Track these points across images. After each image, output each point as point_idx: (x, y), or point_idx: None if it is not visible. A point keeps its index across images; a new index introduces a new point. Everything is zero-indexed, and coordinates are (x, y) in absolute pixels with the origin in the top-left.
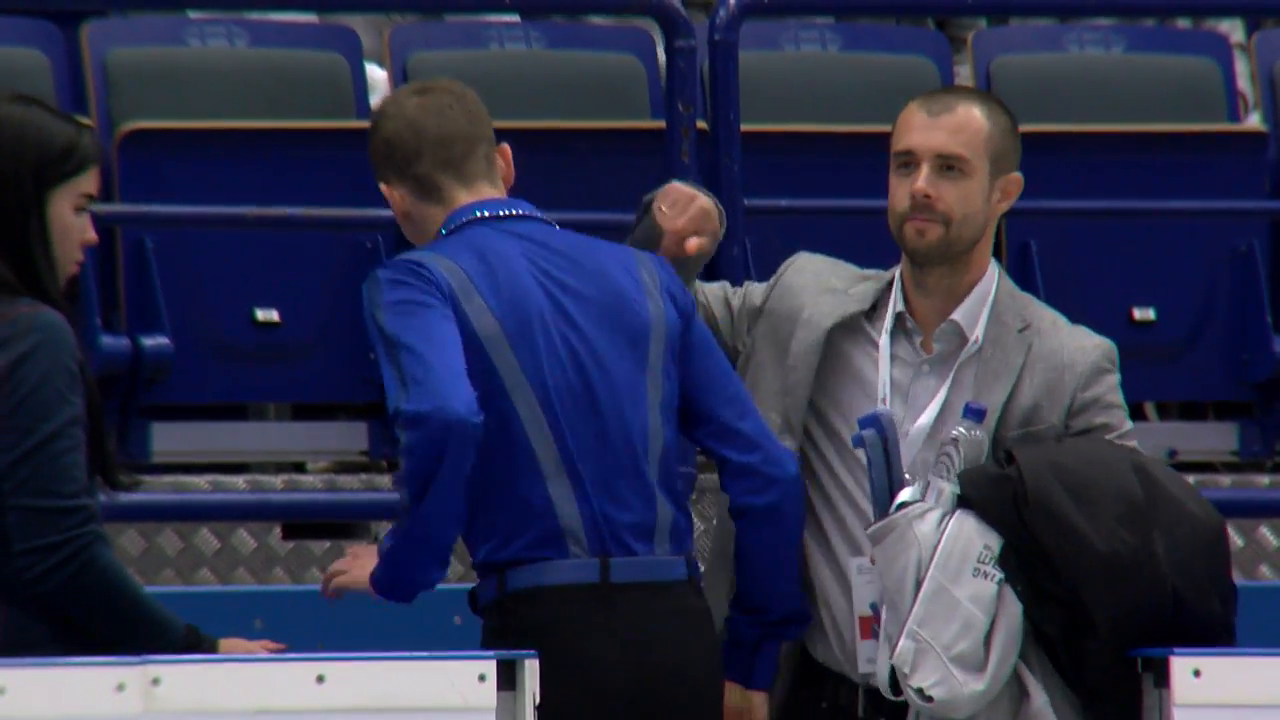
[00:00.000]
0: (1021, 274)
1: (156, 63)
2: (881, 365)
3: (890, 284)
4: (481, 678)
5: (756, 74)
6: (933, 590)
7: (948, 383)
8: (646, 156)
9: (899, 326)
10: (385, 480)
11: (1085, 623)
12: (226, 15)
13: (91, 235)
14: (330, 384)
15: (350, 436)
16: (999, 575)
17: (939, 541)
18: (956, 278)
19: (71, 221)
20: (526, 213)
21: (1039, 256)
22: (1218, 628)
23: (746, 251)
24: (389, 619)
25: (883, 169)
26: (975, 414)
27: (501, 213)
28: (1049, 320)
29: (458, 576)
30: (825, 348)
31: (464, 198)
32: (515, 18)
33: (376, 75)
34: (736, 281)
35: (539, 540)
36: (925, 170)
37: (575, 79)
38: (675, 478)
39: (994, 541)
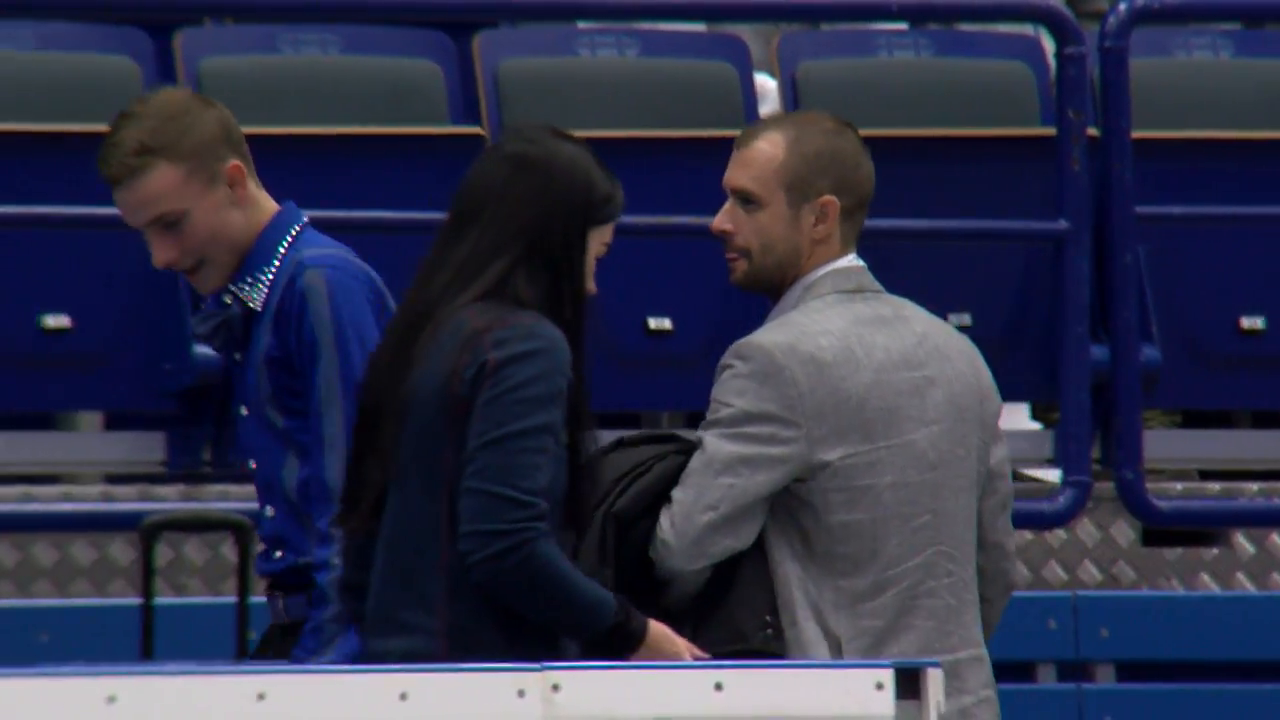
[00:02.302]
0: None
1: (547, 73)
2: None
3: None
4: (879, 686)
5: (1147, 80)
6: None
7: None
8: (1037, 163)
9: None
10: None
11: None
12: (617, 25)
13: (592, 285)
14: None
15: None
16: None
17: None
18: (779, 294)
19: (592, 264)
20: None
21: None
22: None
23: (1139, 259)
24: None
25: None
26: None
27: None
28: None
29: None
30: None
31: None
32: (902, 25)
33: (766, 84)
34: (1128, 290)
35: None
36: (726, 206)
37: (965, 86)
38: None
39: None
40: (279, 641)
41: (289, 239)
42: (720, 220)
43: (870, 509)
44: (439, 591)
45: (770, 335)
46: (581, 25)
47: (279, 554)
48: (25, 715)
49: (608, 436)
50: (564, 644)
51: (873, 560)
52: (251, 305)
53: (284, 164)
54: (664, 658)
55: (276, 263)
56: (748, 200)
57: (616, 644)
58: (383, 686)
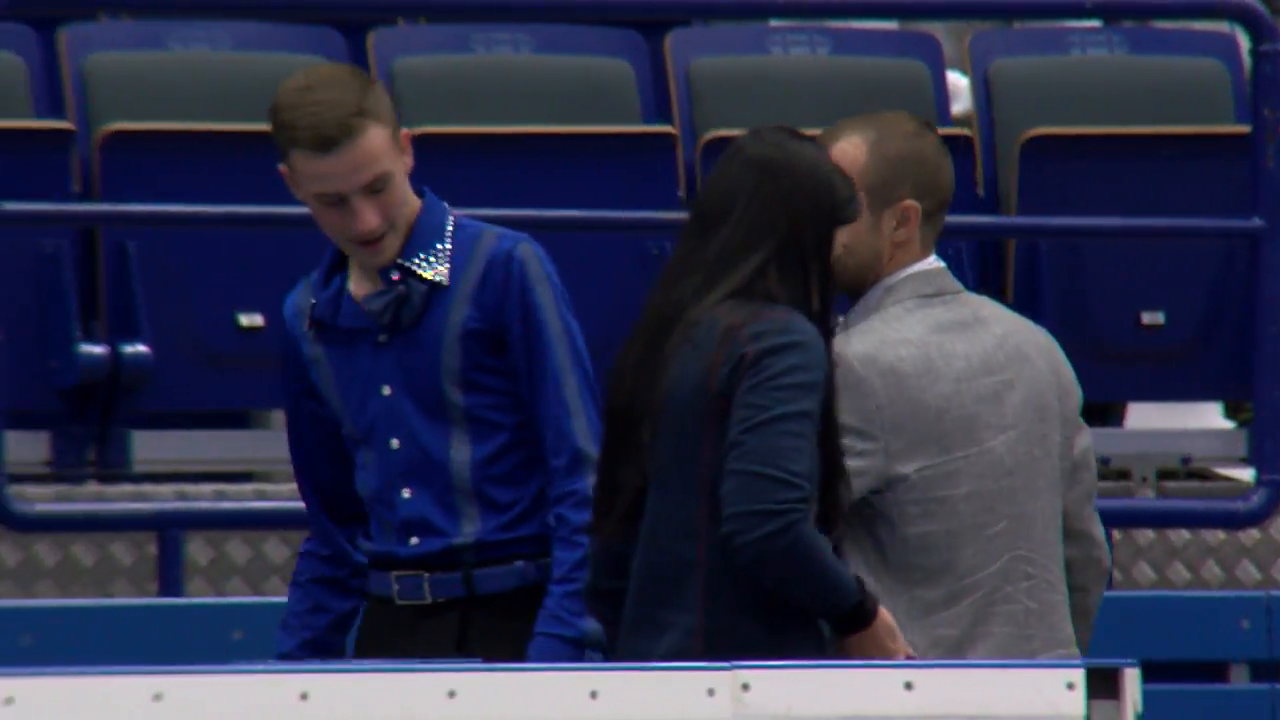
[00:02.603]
0: None
1: (738, 71)
2: None
3: None
4: (1069, 685)
5: None
6: None
7: None
8: (1231, 161)
9: None
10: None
11: None
12: (809, 24)
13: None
14: None
15: None
16: None
17: None
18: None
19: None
20: None
21: None
22: None
23: None
24: None
25: None
26: None
27: None
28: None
29: None
30: None
31: None
32: (1096, 23)
33: (958, 83)
34: None
35: None
36: None
37: (1159, 84)
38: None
39: None
40: (425, 621)
41: (451, 216)
42: None
43: (946, 520)
44: (697, 590)
45: (851, 345)
46: (774, 24)
47: (414, 539)
48: (220, 712)
49: None
50: (821, 643)
51: (948, 570)
52: (436, 279)
53: (475, 163)
54: (883, 644)
55: (448, 239)
56: None
57: (851, 622)
58: (572, 685)
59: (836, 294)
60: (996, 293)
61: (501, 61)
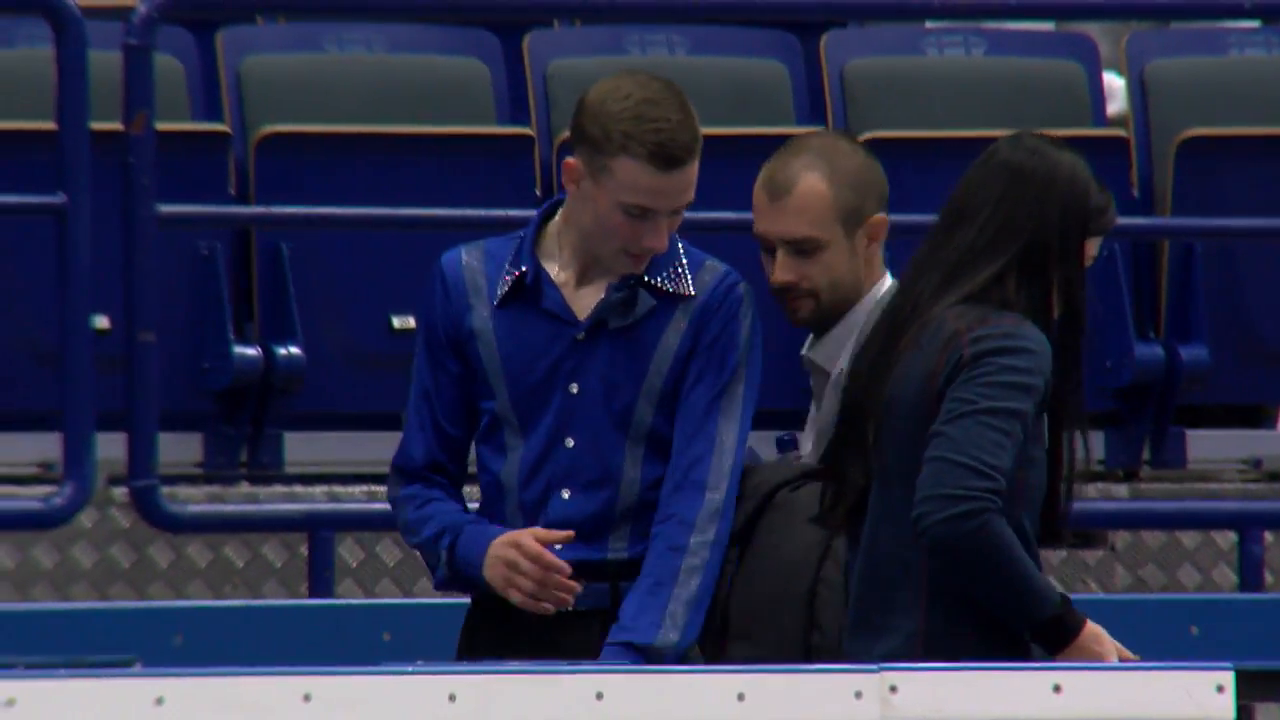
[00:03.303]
0: None
1: (892, 72)
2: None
3: None
4: (1219, 688)
5: None
6: None
7: (815, 413)
8: None
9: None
10: (1122, 490)
11: None
12: (964, 24)
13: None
14: None
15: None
16: None
17: None
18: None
19: (1084, 272)
20: None
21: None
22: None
23: None
24: None
25: None
26: (786, 443)
27: None
28: None
29: None
30: None
31: None
32: (1254, 23)
33: (1114, 83)
34: None
35: None
36: (780, 256)
37: None
38: None
39: None
40: (563, 629)
41: (676, 239)
42: (780, 274)
43: None
44: (918, 596)
45: None
46: (929, 25)
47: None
48: (369, 713)
49: None
50: (1036, 652)
51: None
52: (678, 290)
53: None
54: (1093, 657)
55: (683, 259)
56: (805, 246)
57: (1052, 636)
58: (721, 687)
59: (1083, 305)
60: (1151, 294)
61: (657, 63)
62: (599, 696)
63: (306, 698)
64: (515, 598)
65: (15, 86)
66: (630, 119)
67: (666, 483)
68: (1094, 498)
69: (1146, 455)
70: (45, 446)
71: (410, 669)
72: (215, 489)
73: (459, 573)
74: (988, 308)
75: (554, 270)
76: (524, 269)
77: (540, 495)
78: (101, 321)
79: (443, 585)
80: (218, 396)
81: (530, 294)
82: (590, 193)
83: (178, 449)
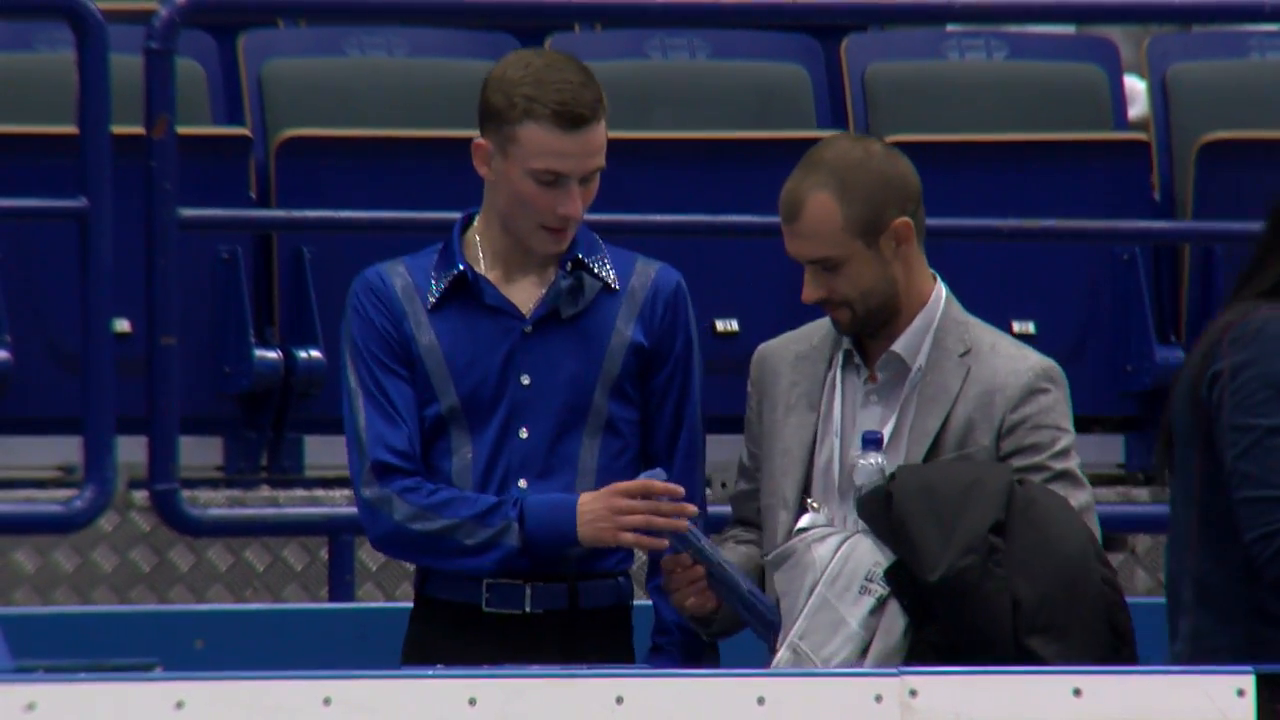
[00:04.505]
0: None
1: (915, 76)
2: (835, 401)
3: None
4: (1239, 692)
5: None
6: (817, 605)
7: (895, 410)
8: None
9: (848, 362)
10: (1142, 493)
11: None
12: (985, 28)
13: None
14: (1088, 398)
15: (1106, 449)
16: (881, 591)
17: (830, 560)
18: (894, 323)
19: None
20: None
21: None
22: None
23: None
24: None
25: None
26: (871, 442)
27: None
28: (988, 343)
29: None
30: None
31: None
32: (1275, 26)
33: (1135, 87)
34: None
35: None
36: (808, 274)
37: None
38: None
39: (885, 559)
40: (520, 633)
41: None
42: (810, 293)
43: None
44: (1188, 596)
45: (1032, 357)
46: (950, 28)
47: None
48: (391, 716)
49: None
50: None
51: None
52: (612, 284)
53: (650, 168)
54: None
55: (604, 250)
56: (825, 264)
57: None
58: (741, 691)
59: None
60: (1172, 298)
61: (679, 67)
62: (619, 700)
63: (327, 701)
64: (628, 539)
65: (37, 91)
66: (531, 83)
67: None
68: (1115, 501)
69: None
70: (66, 450)
71: (431, 672)
72: (236, 493)
73: (534, 541)
74: (1264, 301)
75: (483, 271)
76: (461, 268)
77: (498, 489)
78: (123, 325)
79: (504, 561)
80: (238, 400)
81: (469, 293)
82: (501, 170)
83: (198, 453)
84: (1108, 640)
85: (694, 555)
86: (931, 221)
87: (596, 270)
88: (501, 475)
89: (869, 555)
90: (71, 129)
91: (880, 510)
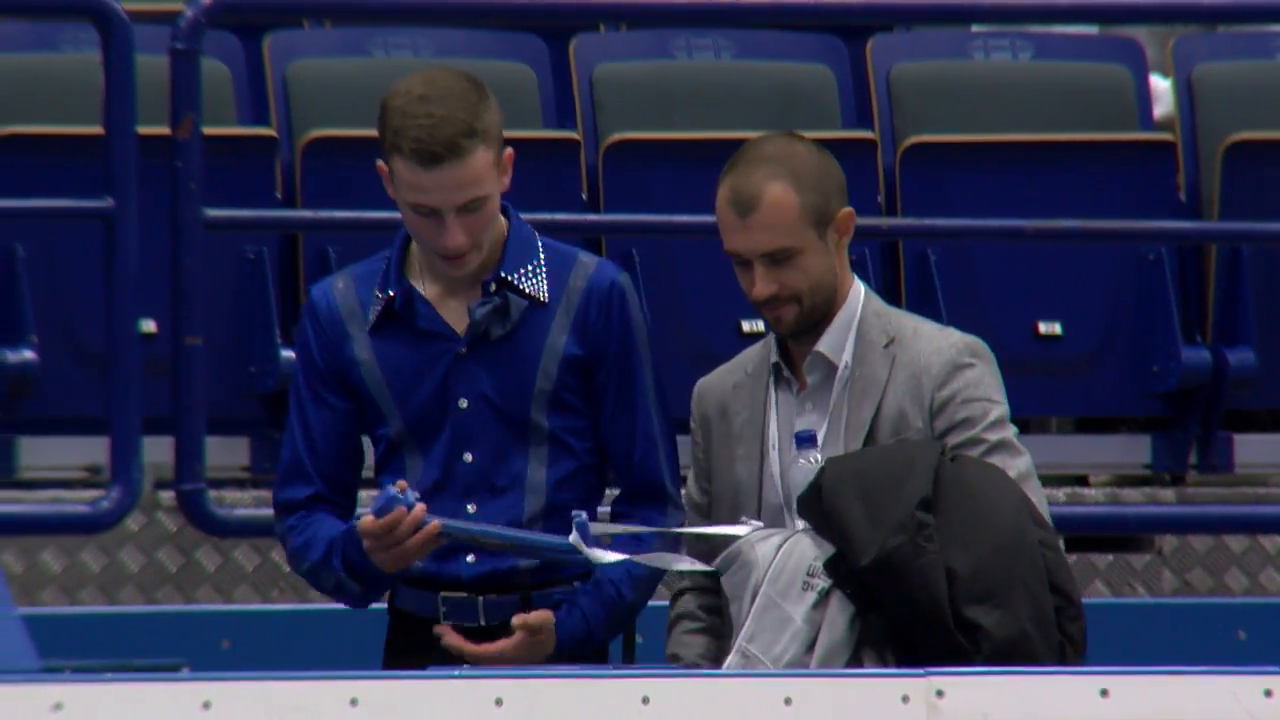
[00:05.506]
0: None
1: (939, 76)
2: (771, 418)
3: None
4: (1267, 693)
5: None
6: (763, 605)
7: (829, 412)
8: None
9: (778, 376)
10: (1169, 494)
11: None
12: (1011, 28)
13: None
14: (1114, 398)
15: (1132, 450)
16: (823, 584)
17: (773, 559)
18: (822, 322)
19: None
20: None
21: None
22: (1018, 640)
23: None
24: None
25: None
26: (806, 440)
27: None
28: (910, 329)
29: None
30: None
31: None
32: None
33: (1160, 87)
34: None
35: None
36: (759, 270)
37: None
38: None
39: (825, 553)
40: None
41: (537, 235)
42: (762, 288)
43: None
44: None
45: (954, 335)
46: (975, 29)
47: (472, 556)
48: (417, 716)
49: None
50: None
51: None
52: (538, 296)
53: (674, 169)
54: None
55: (541, 257)
56: (780, 256)
57: None
58: (768, 691)
59: None
60: (1198, 298)
61: (703, 67)
62: (645, 700)
63: (354, 702)
64: (413, 563)
65: (63, 91)
66: (399, 116)
67: (620, 486)
68: (1141, 502)
69: (1194, 459)
70: (92, 450)
71: (457, 672)
72: (262, 493)
73: (367, 580)
74: None
75: (422, 287)
76: (392, 293)
77: (448, 514)
78: (149, 325)
79: (364, 599)
80: (264, 400)
81: (404, 315)
82: (395, 195)
83: (225, 453)
84: (1051, 601)
85: (468, 543)
86: (957, 222)
87: (523, 286)
88: (453, 500)
89: (810, 551)
90: (97, 129)
91: (814, 503)
